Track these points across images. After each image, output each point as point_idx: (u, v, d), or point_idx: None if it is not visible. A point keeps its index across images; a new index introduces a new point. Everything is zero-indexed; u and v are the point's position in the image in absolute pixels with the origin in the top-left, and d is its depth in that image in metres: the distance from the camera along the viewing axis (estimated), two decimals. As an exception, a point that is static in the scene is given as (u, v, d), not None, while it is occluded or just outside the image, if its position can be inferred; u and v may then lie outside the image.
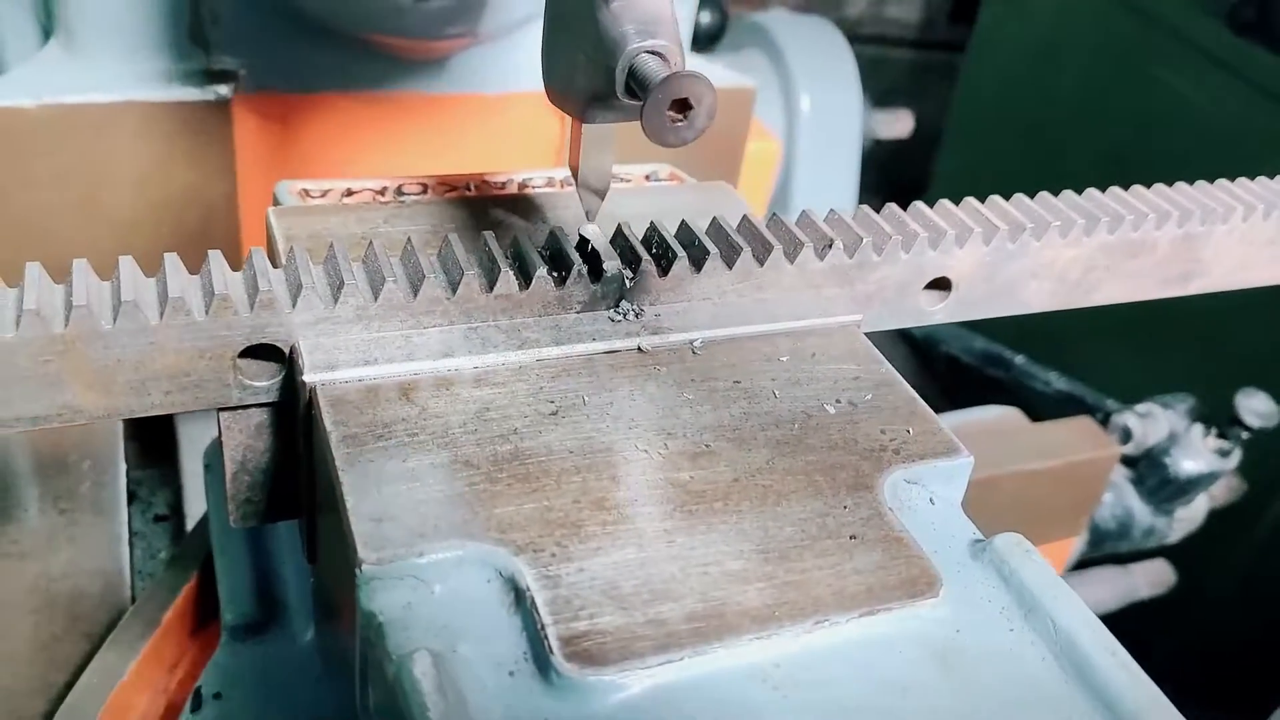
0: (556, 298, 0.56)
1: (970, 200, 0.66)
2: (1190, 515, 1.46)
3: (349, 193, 0.67)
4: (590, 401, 0.52)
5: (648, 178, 0.76)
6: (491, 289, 0.54)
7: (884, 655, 0.43)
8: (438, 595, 0.43)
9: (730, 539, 0.46)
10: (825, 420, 0.53)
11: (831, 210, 0.63)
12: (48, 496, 0.88)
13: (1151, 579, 1.63)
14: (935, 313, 0.66)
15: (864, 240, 0.60)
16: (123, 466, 0.92)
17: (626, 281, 0.57)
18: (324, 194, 0.66)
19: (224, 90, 0.91)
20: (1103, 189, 0.69)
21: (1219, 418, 1.41)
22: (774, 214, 0.62)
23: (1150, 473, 1.41)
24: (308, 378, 0.50)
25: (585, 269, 0.56)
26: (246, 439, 0.55)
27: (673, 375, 0.55)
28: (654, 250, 0.58)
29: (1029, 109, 2.44)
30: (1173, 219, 0.68)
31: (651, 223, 0.59)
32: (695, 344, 0.57)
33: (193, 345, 0.49)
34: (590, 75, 0.53)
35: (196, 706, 0.62)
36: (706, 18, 1.72)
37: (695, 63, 1.24)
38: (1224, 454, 1.40)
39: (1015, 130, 2.50)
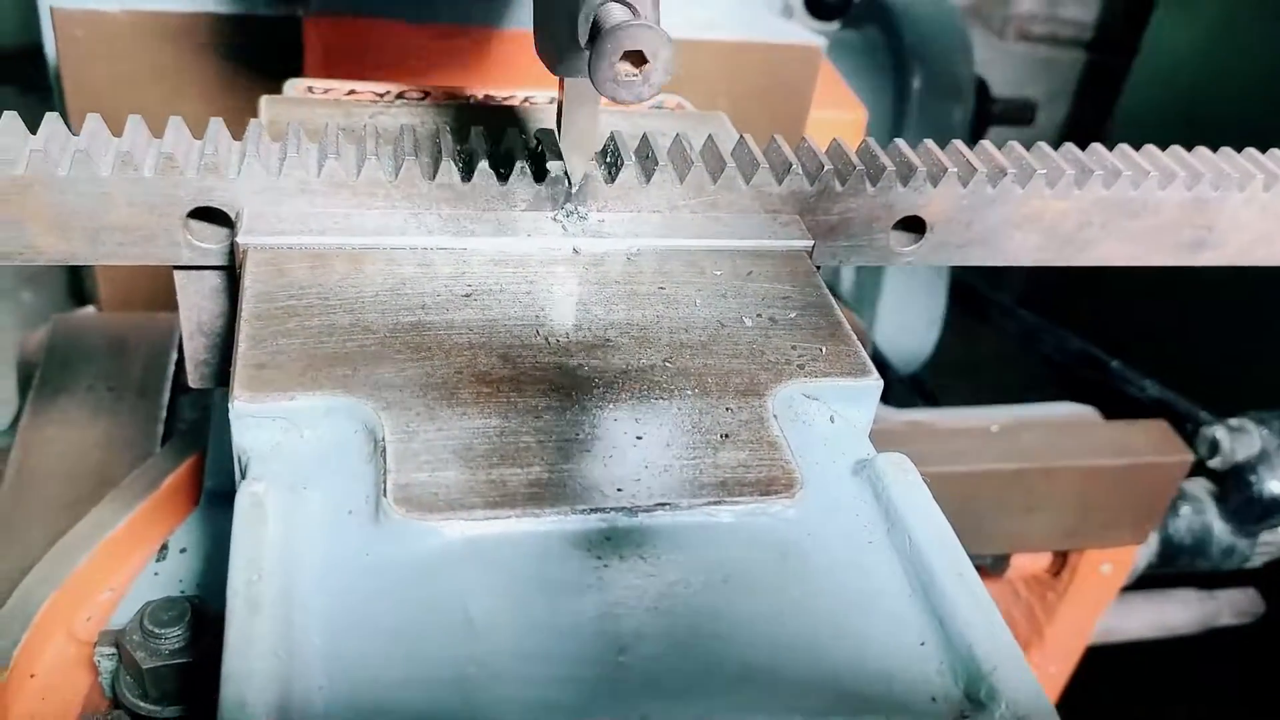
0: (500, 193, 0.57)
1: (956, 143, 0.65)
2: (1277, 539, 1.38)
3: (351, 93, 0.70)
4: (507, 289, 0.54)
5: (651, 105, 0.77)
6: (434, 178, 0.56)
7: (717, 544, 0.44)
8: (306, 439, 0.46)
9: (598, 423, 0.47)
10: (738, 331, 0.53)
11: (804, 138, 0.63)
12: (101, 374, 0.94)
13: (1237, 607, 1.54)
14: (906, 254, 0.64)
15: (826, 168, 0.60)
16: (174, 355, 0.98)
17: (571, 184, 0.58)
18: (326, 91, 0.70)
19: (295, 9, 0.96)
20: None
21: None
22: (741, 136, 0.62)
23: (1234, 490, 1.34)
24: (240, 239, 0.53)
25: (530, 168, 0.57)
26: (201, 300, 0.58)
27: (598, 276, 0.56)
28: (609, 159, 0.59)
29: (1194, 116, 2.32)
30: (1179, 180, 0.65)
31: (611, 133, 0.60)
32: (632, 251, 0.57)
33: (144, 200, 0.53)
34: (562, 24, 0.50)
35: (161, 557, 0.67)
36: (833, -9, 1.72)
37: (786, 25, 1.23)
38: (1317, 478, 1.31)
39: (1178, 137, 2.38)
